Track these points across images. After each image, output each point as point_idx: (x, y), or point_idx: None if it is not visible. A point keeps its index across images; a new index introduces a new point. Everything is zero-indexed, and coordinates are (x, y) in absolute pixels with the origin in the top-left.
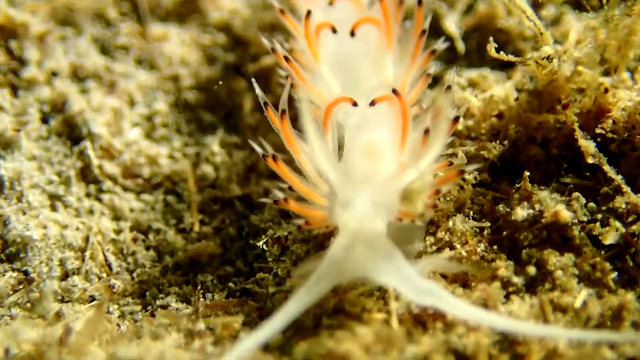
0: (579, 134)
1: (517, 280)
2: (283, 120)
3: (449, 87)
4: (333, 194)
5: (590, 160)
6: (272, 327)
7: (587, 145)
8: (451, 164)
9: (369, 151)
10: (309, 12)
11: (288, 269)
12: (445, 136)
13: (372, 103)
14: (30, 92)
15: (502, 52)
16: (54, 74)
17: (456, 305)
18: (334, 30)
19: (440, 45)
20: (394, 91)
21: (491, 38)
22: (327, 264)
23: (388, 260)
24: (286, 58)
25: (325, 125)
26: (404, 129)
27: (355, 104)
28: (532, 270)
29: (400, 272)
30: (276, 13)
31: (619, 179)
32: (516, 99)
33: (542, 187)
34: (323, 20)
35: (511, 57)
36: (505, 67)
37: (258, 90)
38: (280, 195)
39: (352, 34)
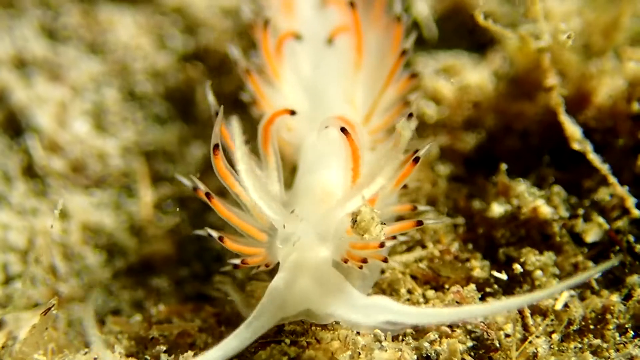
0: (564, 118)
1: (494, 281)
2: (216, 155)
3: (410, 115)
4: (273, 229)
5: (576, 147)
6: None
7: (573, 130)
8: (415, 208)
9: (319, 193)
10: (267, 21)
11: (247, 272)
12: (395, 171)
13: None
14: None
15: (490, 21)
16: None
17: (408, 312)
18: (298, 37)
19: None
20: (343, 130)
21: (478, 10)
22: (268, 299)
23: (333, 290)
24: (248, 71)
25: (266, 150)
26: (354, 171)
27: (293, 113)
28: (515, 267)
29: (345, 298)
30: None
31: (605, 168)
32: (493, 87)
33: (521, 181)
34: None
35: (498, 27)
36: (482, 51)
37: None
38: (214, 234)
39: (330, 41)
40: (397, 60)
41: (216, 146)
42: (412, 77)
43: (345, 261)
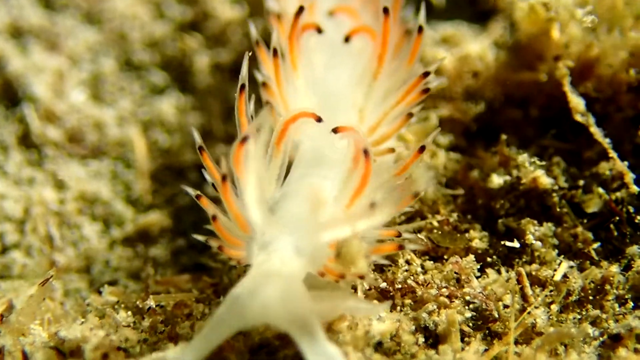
0: (568, 89)
1: (492, 252)
2: (203, 154)
3: (423, 148)
4: (254, 232)
5: (578, 119)
6: None
7: (577, 102)
8: (399, 235)
9: (309, 197)
10: (301, 8)
11: None
12: (393, 211)
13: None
14: None
15: None
16: None
17: None
18: (319, 31)
19: (435, 82)
20: (366, 152)
21: None
22: (226, 309)
23: (295, 310)
24: (275, 51)
25: (278, 146)
26: (355, 194)
27: (319, 120)
28: (509, 241)
29: (308, 332)
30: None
31: (606, 142)
32: (494, 57)
33: (521, 151)
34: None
35: None
36: (483, 21)
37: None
38: (210, 211)
39: (347, 39)
40: (417, 80)
41: (201, 148)
42: (424, 92)
43: (322, 275)
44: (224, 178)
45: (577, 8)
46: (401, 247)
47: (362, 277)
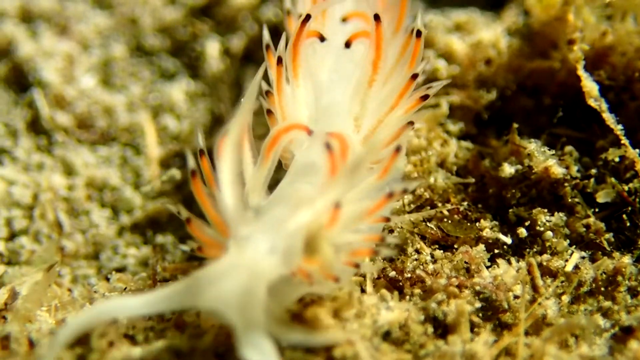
0: (582, 73)
1: (504, 241)
2: (203, 159)
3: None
4: (229, 226)
5: (591, 103)
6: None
7: (591, 86)
8: (382, 240)
9: (292, 206)
10: (308, 17)
11: None
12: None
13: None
14: None
15: None
16: (1, 14)
17: None
18: (322, 39)
19: (435, 87)
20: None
21: None
22: (185, 285)
23: (249, 308)
24: (279, 59)
25: (267, 153)
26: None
27: (310, 133)
28: (520, 231)
29: (252, 327)
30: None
31: (618, 129)
32: (507, 44)
33: (532, 141)
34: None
35: None
36: (495, 8)
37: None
38: (184, 214)
39: (347, 45)
40: (407, 83)
41: (202, 151)
42: (423, 98)
43: (294, 275)
44: (193, 173)
45: None
46: (375, 253)
47: (335, 280)
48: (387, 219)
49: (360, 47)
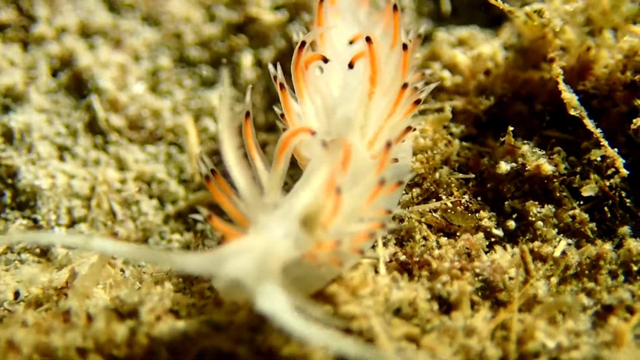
0: (562, 86)
1: (499, 230)
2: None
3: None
4: (250, 217)
5: (572, 112)
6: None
7: (570, 97)
8: (383, 225)
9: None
10: (302, 43)
11: None
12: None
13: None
14: (40, 47)
15: (499, 0)
16: (63, 30)
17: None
18: (325, 60)
19: (425, 92)
20: (324, 143)
21: None
22: (211, 256)
23: (266, 278)
24: (281, 85)
25: (279, 158)
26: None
27: (313, 134)
28: (510, 223)
29: (267, 288)
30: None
31: (597, 132)
32: (504, 57)
33: (525, 142)
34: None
35: (505, 5)
36: (494, 26)
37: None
38: (205, 212)
39: (351, 66)
40: (399, 92)
41: (247, 113)
42: (416, 103)
43: (304, 258)
44: (207, 178)
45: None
46: (372, 236)
47: (340, 265)
48: (389, 212)
49: (362, 65)
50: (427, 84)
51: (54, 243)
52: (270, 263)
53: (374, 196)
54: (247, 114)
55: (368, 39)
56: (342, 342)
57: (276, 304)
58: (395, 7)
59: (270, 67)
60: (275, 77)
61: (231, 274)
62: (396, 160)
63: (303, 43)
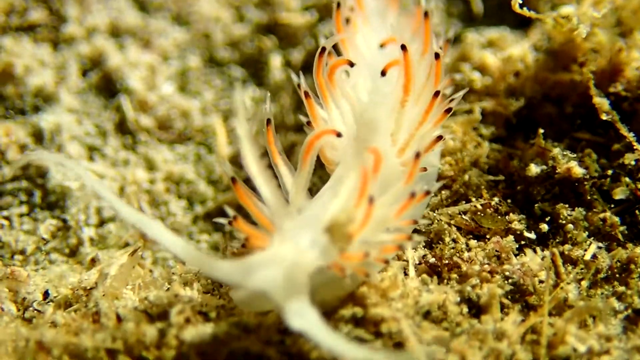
0: (593, 91)
1: (532, 233)
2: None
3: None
4: (275, 223)
5: (604, 117)
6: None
7: (601, 102)
8: (409, 238)
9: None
10: (322, 50)
11: None
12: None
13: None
14: (70, 47)
15: (524, 9)
16: (93, 30)
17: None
18: (351, 65)
19: (455, 101)
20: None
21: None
22: (238, 266)
23: (291, 294)
24: (306, 94)
25: (304, 159)
26: (360, 193)
27: (339, 135)
28: (542, 226)
29: (296, 304)
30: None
31: (631, 136)
32: (534, 59)
33: (556, 144)
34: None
35: (532, 13)
36: (524, 27)
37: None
38: (230, 213)
39: (383, 73)
40: (431, 101)
41: (268, 120)
42: (446, 112)
43: (329, 268)
44: (233, 180)
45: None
46: (401, 248)
47: (366, 275)
48: (415, 222)
49: (394, 72)
50: (456, 88)
51: (119, 212)
52: (298, 276)
53: (404, 209)
54: (269, 121)
55: (403, 47)
56: (376, 356)
57: (308, 320)
58: (426, 14)
59: (293, 76)
60: (299, 85)
61: (259, 286)
62: (425, 169)
63: (323, 49)
